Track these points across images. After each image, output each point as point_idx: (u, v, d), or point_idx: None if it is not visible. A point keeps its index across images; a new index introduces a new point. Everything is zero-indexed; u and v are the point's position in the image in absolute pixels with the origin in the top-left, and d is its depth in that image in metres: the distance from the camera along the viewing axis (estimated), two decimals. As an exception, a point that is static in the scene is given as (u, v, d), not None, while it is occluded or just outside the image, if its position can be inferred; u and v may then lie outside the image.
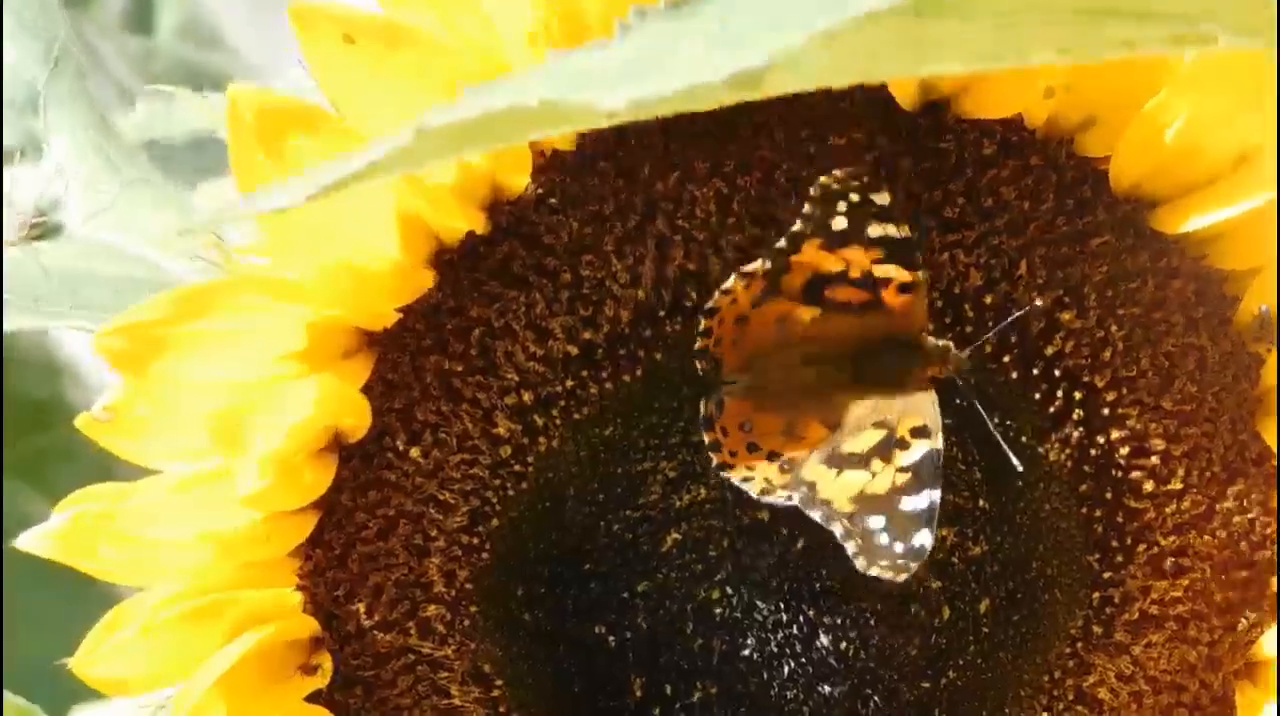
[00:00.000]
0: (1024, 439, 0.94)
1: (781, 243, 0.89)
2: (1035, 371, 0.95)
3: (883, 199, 0.88)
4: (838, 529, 0.87)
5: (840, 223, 0.88)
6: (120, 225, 1.15)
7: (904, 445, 0.89)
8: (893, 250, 0.89)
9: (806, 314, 0.91)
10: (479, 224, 0.90)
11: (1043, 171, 0.93)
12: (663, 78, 0.54)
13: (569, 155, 0.91)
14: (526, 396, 0.93)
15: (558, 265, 0.92)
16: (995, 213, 0.93)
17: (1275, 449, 0.97)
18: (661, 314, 0.92)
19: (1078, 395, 0.95)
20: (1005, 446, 0.91)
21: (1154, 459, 0.96)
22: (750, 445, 0.91)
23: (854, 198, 0.88)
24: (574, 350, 0.92)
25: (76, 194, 1.16)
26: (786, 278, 0.90)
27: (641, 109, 0.55)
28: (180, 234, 1.10)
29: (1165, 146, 0.89)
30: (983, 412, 0.91)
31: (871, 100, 0.92)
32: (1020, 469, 0.91)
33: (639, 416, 0.93)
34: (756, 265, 0.90)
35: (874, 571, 0.86)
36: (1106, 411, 0.95)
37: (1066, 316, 0.94)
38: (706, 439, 0.91)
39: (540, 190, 0.91)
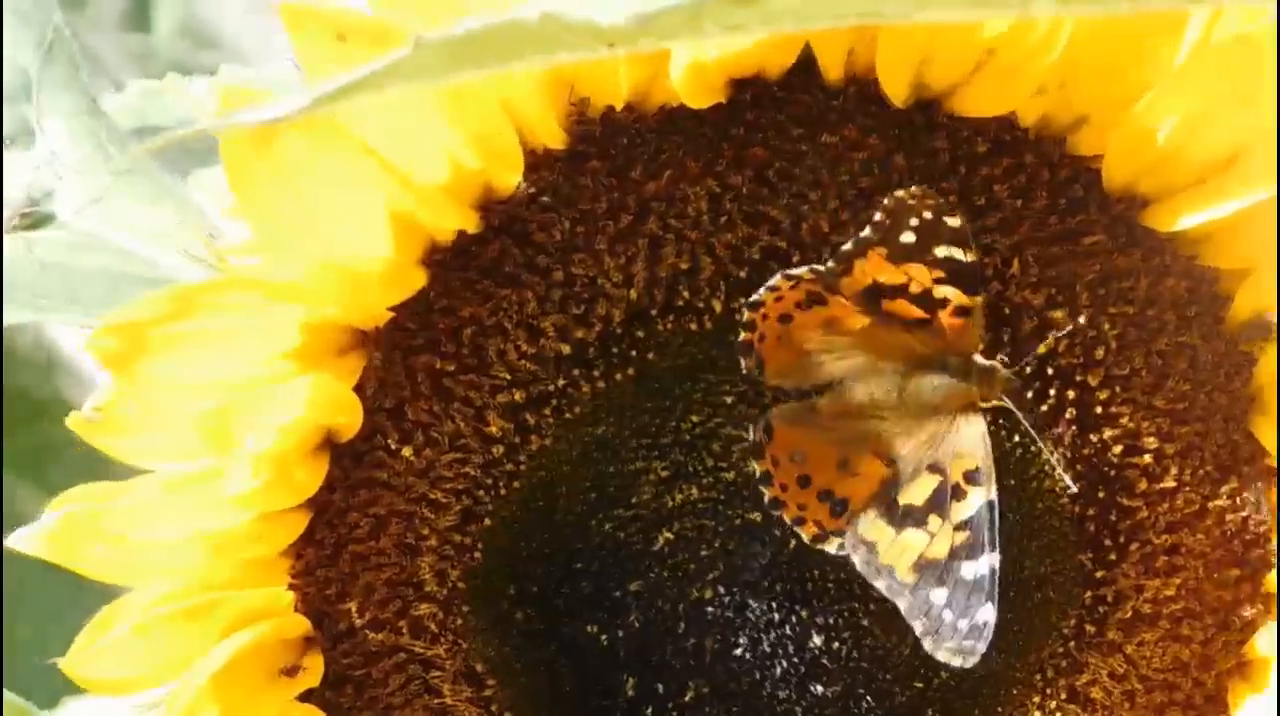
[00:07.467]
0: (1016, 437, 0.94)
1: (848, 245, 0.89)
2: (1028, 369, 0.95)
3: (955, 222, 0.88)
4: (903, 604, 0.89)
5: (909, 237, 0.88)
6: (113, 216, 1.14)
7: (959, 494, 0.89)
8: (956, 271, 0.89)
9: (856, 323, 0.91)
10: (471, 223, 0.90)
11: (1035, 170, 0.93)
12: None
13: (560, 153, 0.91)
14: (518, 395, 0.92)
15: (550, 264, 0.92)
16: (987, 211, 0.93)
17: (1273, 448, 0.97)
18: (654, 313, 0.92)
19: (1070, 393, 0.95)
20: (1059, 469, 0.93)
21: (1147, 457, 0.96)
22: (802, 478, 0.91)
23: (927, 216, 0.88)
24: (566, 349, 0.92)
25: (69, 183, 1.15)
26: (847, 280, 0.90)
27: (643, 27, 0.54)
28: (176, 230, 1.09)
29: (1157, 146, 0.89)
30: (1026, 422, 0.92)
31: (863, 98, 0.91)
32: (1075, 490, 0.93)
33: (631, 416, 0.93)
34: (803, 271, 0.90)
35: (941, 655, 0.88)
36: (1099, 410, 0.95)
37: (1059, 315, 0.94)
38: (758, 469, 0.91)
39: (532, 189, 0.91)
